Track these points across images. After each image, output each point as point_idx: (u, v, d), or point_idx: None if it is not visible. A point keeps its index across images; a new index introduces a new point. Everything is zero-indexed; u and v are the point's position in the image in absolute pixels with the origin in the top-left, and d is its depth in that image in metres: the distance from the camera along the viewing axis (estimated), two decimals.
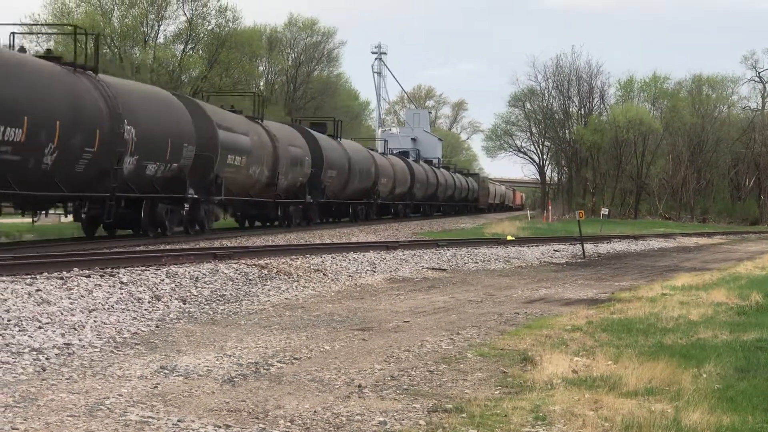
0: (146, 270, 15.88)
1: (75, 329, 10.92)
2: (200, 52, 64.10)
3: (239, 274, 16.98)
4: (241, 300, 14.86)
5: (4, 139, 19.07)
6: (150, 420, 7.03)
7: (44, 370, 8.78)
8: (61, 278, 13.95)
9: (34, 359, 9.22)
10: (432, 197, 71.58)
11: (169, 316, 12.71)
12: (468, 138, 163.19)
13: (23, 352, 9.45)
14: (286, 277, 17.66)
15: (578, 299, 16.79)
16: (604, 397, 7.82)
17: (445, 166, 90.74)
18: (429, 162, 78.56)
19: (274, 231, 34.99)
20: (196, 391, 8.11)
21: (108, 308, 12.57)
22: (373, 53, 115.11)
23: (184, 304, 13.85)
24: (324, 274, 18.71)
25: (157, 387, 8.19)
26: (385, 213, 59.10)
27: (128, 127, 24.01)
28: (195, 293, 14.76)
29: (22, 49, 23.32)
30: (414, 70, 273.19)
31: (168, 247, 22.44)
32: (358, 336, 11.54)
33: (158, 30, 62.54)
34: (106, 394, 7.83)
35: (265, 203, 36.38)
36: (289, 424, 7.08)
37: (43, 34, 50.84)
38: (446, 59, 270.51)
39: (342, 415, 7.35)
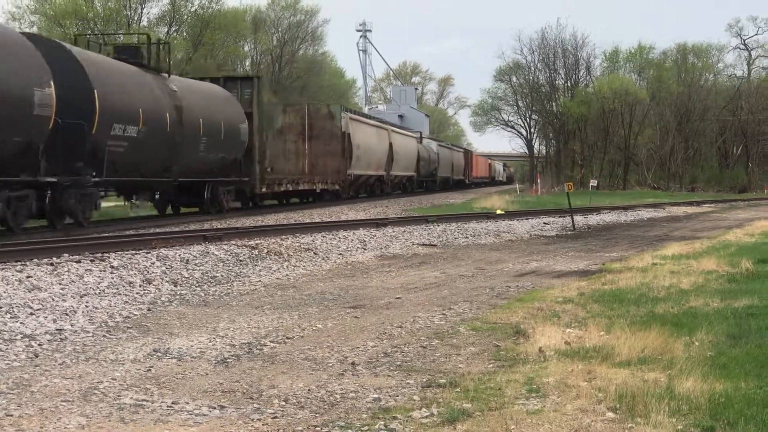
0: (137, 253, 15.86)
1: (67, 315, 10.91)
2: (184, 34, 63.83)
3: (230, 255, 16.97)
4: (233, 281, 14.85)
5: None
6: (144, 403, 7.03)
7: (37, 356, 8.77)
8: (51, 264, 13.94)
9: (27, 346, 9.20)
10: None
11: (161, 299, 12.70)
12: (455, 113, 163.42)
13: (15, 339, 9.43)
14: (276, 257, 17.65)
15: (569, 271, 16.81)
16: (597, 368, 7.84)
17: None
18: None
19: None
20: (190, 373, 8.10)
21: (99, 293, 12.56)
22: (357, 31, 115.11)
23: (176, 286, 13.84)
24: (314, 253, 18.70)
25: (150, 370, 8.19)
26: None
27: None
28: (186, 275, 14.75)
29: None
30: (400, 46, 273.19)
31: (158, 230, 22.40)
32: (350, 314, 11.54)
33: (141, 13, 62.26)
34: (100, 378, 7.82)
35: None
36: (283, 403, 7.08)
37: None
38: (432, 35, 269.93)
39: (336, 393, 7.35)
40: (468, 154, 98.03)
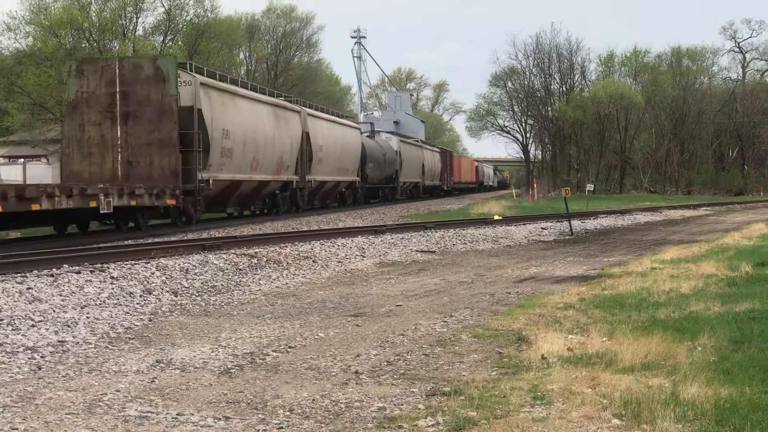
0: (136, 264, 15.85)
1: (68, 326, 10.90)
2: (179, 43, 63.82)
3: (229, 264, 16.95)
4: (233, 290, 14.84)
5: None
6: (149, 415, 7.02)
7: (40, 369, 8.75)
8: (52, 275, 13.92)
9: (30, 358, 9.19)
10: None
11: (162, 309, 12.68)
12: (450, 119, 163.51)
13: (18, 352, 9.42)
14: (276, 265, 17.63)
15: (569, 276, 16.82)
16: (600, 374, 7.83)
17: None
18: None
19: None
20: (194, 383, 8.09)
21: (100, 304, 12.54)
22: (352, 38, 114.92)
23: (176, 296, 13.82)
24: (314, 261, 18.69)
25: (154, 381, 8.18)
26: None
27: None
28: (186, 285, 14.73)
29: None
30: (394, 52, 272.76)
31: (157, 240, 22.38)
32: (351, 322, 11.53)
33: (137, 22, 62.27)
34: (104, 390, 7.81)
35: None
36: (288, 413, 7.08)
37: None
38: (426, 41, 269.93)
39: (340, 403, 7.35)
40: (447, 154, 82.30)
